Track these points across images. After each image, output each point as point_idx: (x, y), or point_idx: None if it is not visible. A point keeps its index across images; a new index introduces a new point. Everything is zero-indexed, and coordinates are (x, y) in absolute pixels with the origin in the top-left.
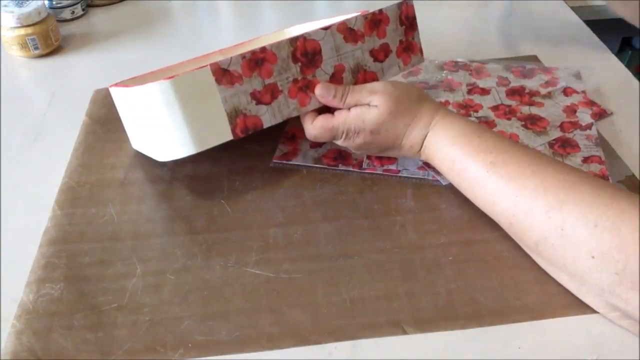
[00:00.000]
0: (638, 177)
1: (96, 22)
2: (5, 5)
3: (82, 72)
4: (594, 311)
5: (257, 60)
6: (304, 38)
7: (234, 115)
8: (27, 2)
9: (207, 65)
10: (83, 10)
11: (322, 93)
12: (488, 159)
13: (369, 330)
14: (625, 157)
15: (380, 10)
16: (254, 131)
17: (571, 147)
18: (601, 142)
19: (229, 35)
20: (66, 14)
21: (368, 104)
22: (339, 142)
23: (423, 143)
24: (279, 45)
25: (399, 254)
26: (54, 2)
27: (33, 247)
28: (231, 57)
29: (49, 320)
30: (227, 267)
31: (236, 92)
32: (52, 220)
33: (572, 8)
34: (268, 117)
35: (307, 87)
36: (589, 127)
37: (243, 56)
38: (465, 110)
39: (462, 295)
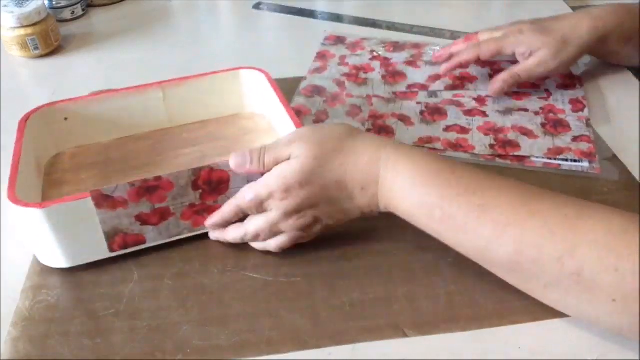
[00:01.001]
0: (638, 178)
1: (96, 22)
2: (5, 5)
3: (82, 72)
4: None
5: (149, 187)
6: (210, 169)
7: (112, 234)
8: (27, 2)
9: (88, 195)
10: (83, 10)
11: (237, 162)
12: (474, 202)
13: (368, 333)
14: (624, 157)
15: None
16: (134, 247)
17: (562, 127)
18: (600, 142)
19: (229, 35)
20: (66, 14)
21: (288, 158)
22: (282, 226)
23: (377, 187)
24: (178, 175)
25: (398, 256)
26: (54, 2)
27: (30, 252)
28: (117, 185)
29: (45, 327)
30: (225, 272)
31: (118, 215)
32: None
33: (572, 8)
34: (153, 235)
35: (204, 211)
36: (581, 109)
37: (132, 184)
38: (461, 81)
39: (462, 297)
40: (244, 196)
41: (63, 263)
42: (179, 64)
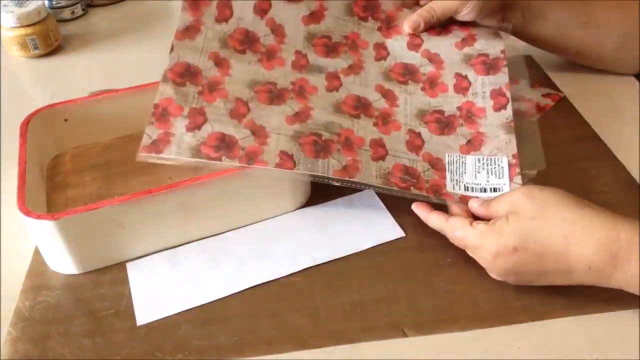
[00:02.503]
0: (637, 179)
1: (96, 22)
2: (5, 5)
3: (82, 72)
4: (594, 311)
5: None
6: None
7: None
8: (27, 2)
9: (100, 206)
10: (83, 10)
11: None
12: None
13: (368, 333)
14: (624, 158)
15: None
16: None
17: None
18: (600, 144)
19: None
20: (66, 14)
21: (506, 217)
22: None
23: (614, 269)
24: None
25: (397, 256)
26: (54, 2)
27: (29, 252)
28: None
29: (45, 328)
30: None
31: None
32: None
33: None
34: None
35: None
36: (503, 105)
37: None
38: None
39: (462, 297)
40: (453, 227)
41: (74, 270)
42: None
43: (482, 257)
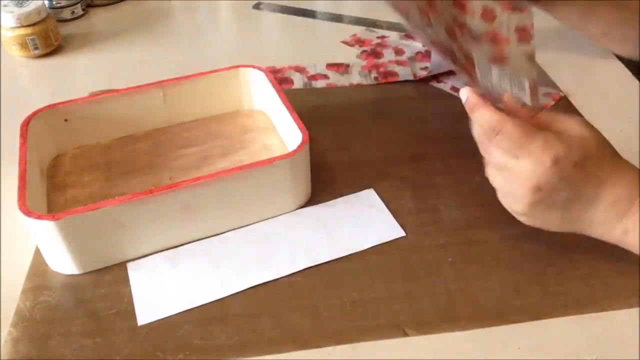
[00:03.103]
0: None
1: (96, 22)
2: (5, 5)
3: (82, 72)
4: (593, 311)
5: None
6: None
7: None
8: (27, 2)
9: (100, 206)
10: (83, 10)
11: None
12: None
13: (369, 332)
14: (624, 158)
15: None
16: None
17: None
18: None
19: (229, 35)
20: (66, 14)
21: (571, 135)
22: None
23: (629, 210)
24: None
25: (398, 255)
26: (54, 2)
27: (30, 252)
28: None
29: (46, 328)
30: None
31: None
32: None
33: None
34: None
35: None
36: (527, 40)
37: None
38: None
39: (462, 296)
40: (516, 122)
41: (75, 270)
42: (179, 63)
43: (539, 160)
